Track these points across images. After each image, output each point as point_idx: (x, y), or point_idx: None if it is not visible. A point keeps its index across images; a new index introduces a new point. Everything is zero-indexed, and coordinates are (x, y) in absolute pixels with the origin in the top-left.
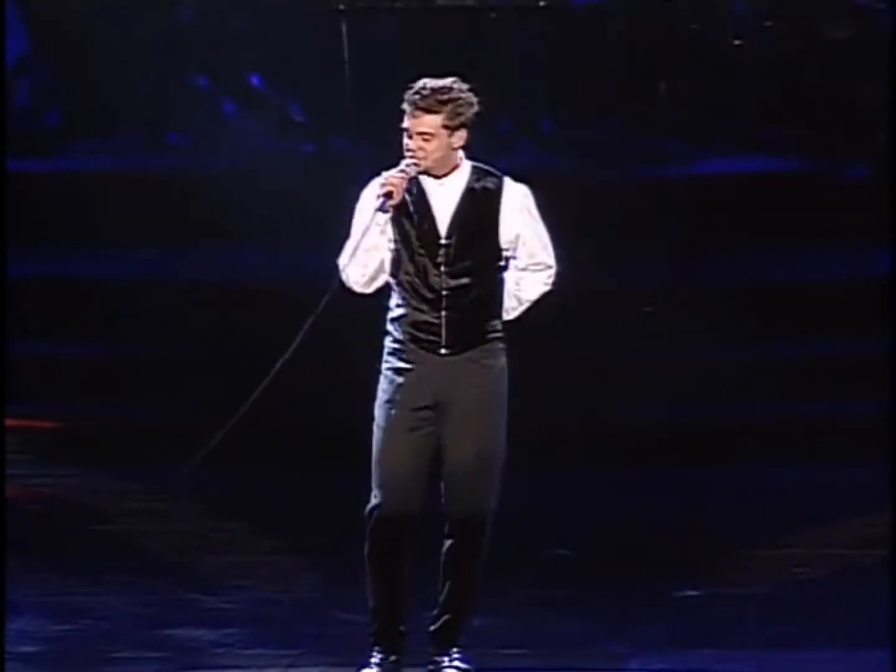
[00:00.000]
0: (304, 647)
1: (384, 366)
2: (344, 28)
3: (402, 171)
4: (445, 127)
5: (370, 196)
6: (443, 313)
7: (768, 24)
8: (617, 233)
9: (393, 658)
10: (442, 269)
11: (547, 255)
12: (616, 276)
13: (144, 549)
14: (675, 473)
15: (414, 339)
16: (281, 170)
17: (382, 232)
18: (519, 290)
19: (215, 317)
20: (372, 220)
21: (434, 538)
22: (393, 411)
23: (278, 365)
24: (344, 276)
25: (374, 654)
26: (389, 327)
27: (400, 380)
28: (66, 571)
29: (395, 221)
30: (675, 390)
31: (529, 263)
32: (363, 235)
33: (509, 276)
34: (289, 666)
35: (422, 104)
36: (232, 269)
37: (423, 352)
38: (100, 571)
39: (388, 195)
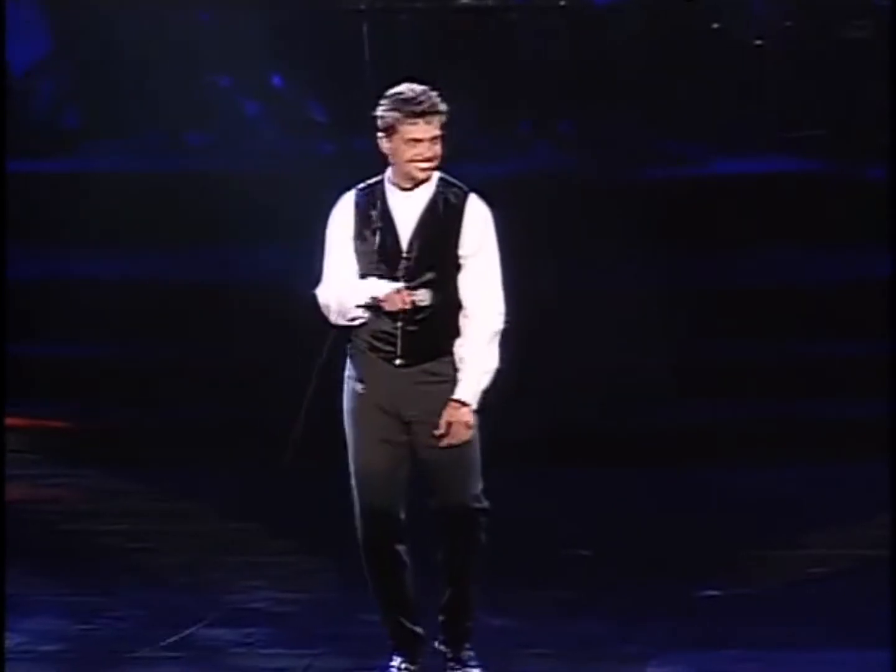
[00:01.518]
0: (324, 647)
1: (346, 374)
2: (364, 28)
3: (413, 300)
4: (443, 127)
5: (337, 217)
6: (399, 324)
7: (788, 24)
8: (635, 233)
9: (409, 662)
10: (402, 281)
11: (492, 283)
12: (634, 276)
13: (163, 550)
14: (691, 474)
15: (372, 348)
16: (301, 170)
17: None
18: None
19: (234, 318)
20: (360, 309)
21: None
22: (357, 418)
23: (316, 369)
24: (325, 313)
25: (393, 658)
26: (351, 336)
27: (359, 387)
28: (86, 571)
29: (359, 235)
30: (690, 390)
31: (472, 298)
32: (351, 308)
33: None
34: (308, 666)
35: (430, 108)
36: (252, 270)
37: (380, 361)
38: (119, 571)
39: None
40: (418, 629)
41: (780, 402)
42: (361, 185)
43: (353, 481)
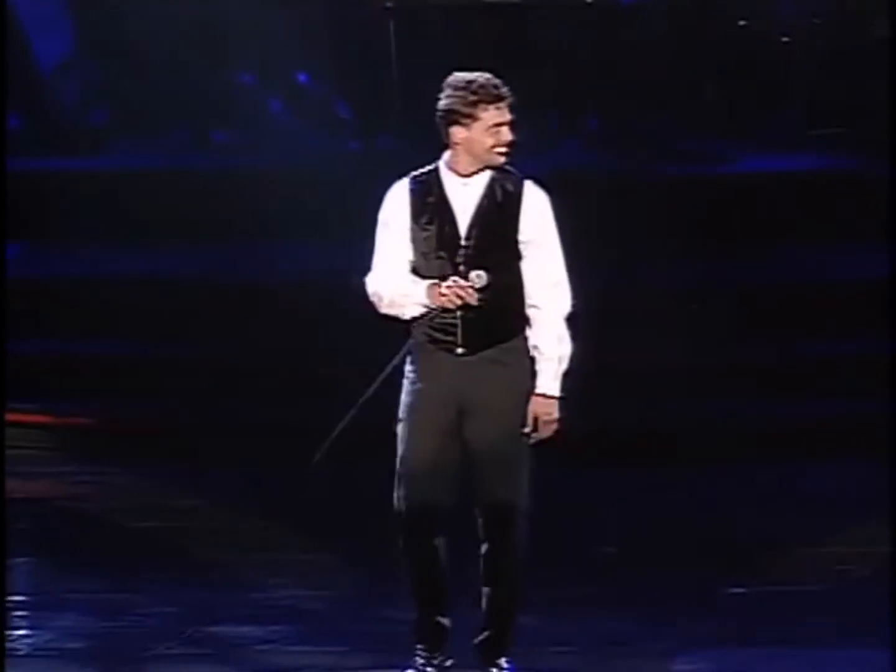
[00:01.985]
0: (350, 644)
1: (406, 367)
2: (391, 25)
3: (471, 286)
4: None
5: (391, 205)
6: (459, 314)
7: (816, 20)
8: (662, 231)
9: (432, 653)
10: (461, 269)
11: (557, 268)
12: (660, 274)
13: (188, 547)
14: (715, 472)
15: (432, 340)
16: (327, 168)
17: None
18: (541, 338)
19: (260, 315)
20: (416, 304)
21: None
22: (415, 412)
23: (379, 379)
24: (374, 302)
25: (418, 652)
26: (411, 329)
27: (420, 381)
28: (111, 569)
29: (416, 223)
30: (712, 388)
31: (538, 286)
32: (408, 305)
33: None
34: (334, 663)
35: (508, 93)
36: (278, 267)
37: (440, 352)
38: (144, 569)
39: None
40: (445, 621)
41: (802, 401)
42: (415, 173)
43: (399, 471)
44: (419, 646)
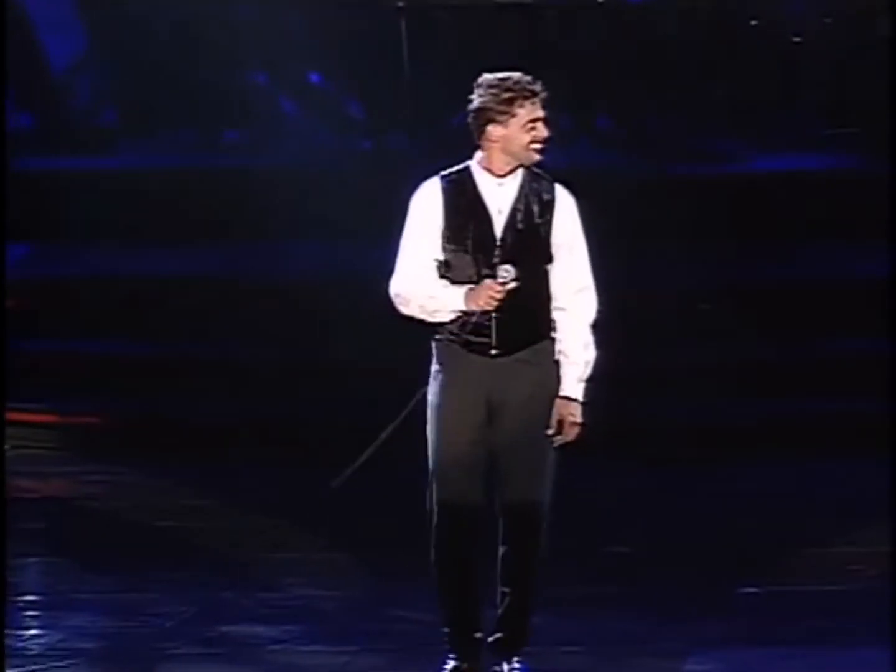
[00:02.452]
0: (361, 644)
1: (434, 368)
2: (403, 25)
3: (502, 281)
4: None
5: (423, 204)
6: (493, 315)
7: (827, 20)
8: (673, 230)
9: (466, 666)
10: (495, 269)
11: (585, 273)
12: (671, 274)
13: (199, 547)
14: (729, 472)
15: (464, 343)
16: (339, 167)
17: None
18: (569, 339)
19: (272, 314)
20: (451, 308)
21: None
22: (447, 414)
23: (418, 395)
24: (398, 303)
25: (448, 660)
26: (439, 329)
27: (451, 380)
28: (123, 568)
29: (449, 223)
30: (725, 388)
31: (566, 290)
32: (442, 307)
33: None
34: (346, 663)
35: (542, 89)
36: (290, 267)
37: (473, 354)
38: (156, 569)
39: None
40: (478, 634)
41: (815, 400)
42: (445, 173)
43: (432, 479)
44: (450, 654)
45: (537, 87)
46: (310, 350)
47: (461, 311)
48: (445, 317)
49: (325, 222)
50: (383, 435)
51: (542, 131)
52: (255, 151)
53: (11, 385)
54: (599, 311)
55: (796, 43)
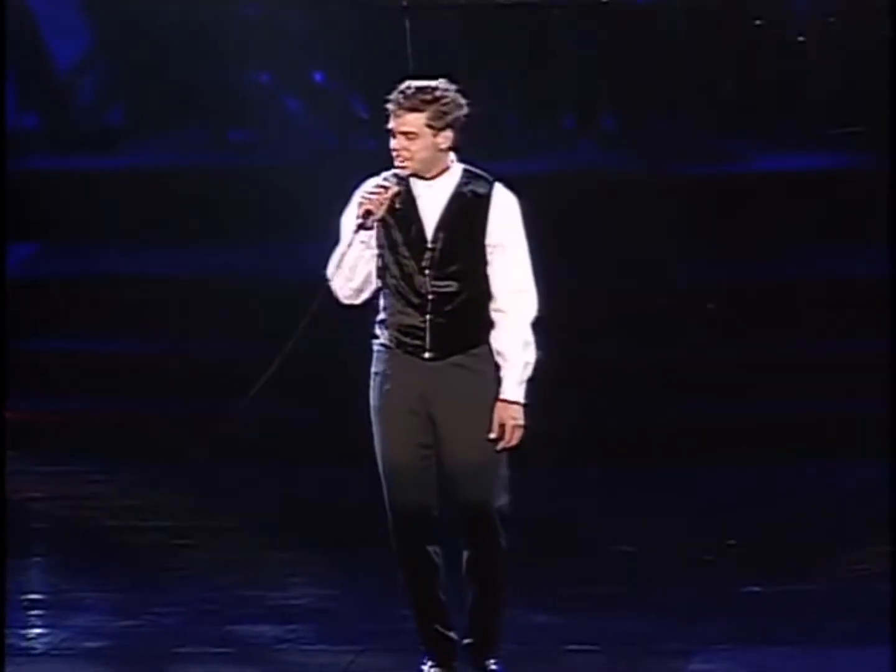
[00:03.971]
0: (367, 643)
1: (372, 369)
2: (407, 24)
3: (381, 185)
4: (430, 126)
5: (355, 205)
6: (427, 317)
7: (831, 20)
8: (677, 230)
9: (441, 667)
10: (427, 272)
11: (523, 274)
12: (674, 274)
13: (204, 546)
14: (733, 471)
15: (399, 343)
16: (344, 166)
17: (367, 246)
18: (505, 342)
19: (277, 313)
20: (353, 238)
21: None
22: (384, 417)
23: (287, 346)
24: (332, 288)
25: (424, 661)
26: (377, 330)
27: (387, 384)
28: (129, 568)
29: (383, 225)
30: (729, 386)
31: (503, 291)
32: (346, 250)
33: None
34: (351, 662)
35: (405, 103)
36: (295, 266)
37: (407, 356)
38: (162, 568)
39: (368, 214)
40: (451, 634)
41: (815, 400)
42: (385, 174)
43: (382, 481)
44: (427, 655)
45: (392, 94)
46: (314, 350)
47: (359, 228)
48: (353, 262)
49: (330, 222)
50: (288, 346)
51: (392, 142)
52: (260, 151)
53: (12, 385)
54: (540, 312)
55: (800, 42)
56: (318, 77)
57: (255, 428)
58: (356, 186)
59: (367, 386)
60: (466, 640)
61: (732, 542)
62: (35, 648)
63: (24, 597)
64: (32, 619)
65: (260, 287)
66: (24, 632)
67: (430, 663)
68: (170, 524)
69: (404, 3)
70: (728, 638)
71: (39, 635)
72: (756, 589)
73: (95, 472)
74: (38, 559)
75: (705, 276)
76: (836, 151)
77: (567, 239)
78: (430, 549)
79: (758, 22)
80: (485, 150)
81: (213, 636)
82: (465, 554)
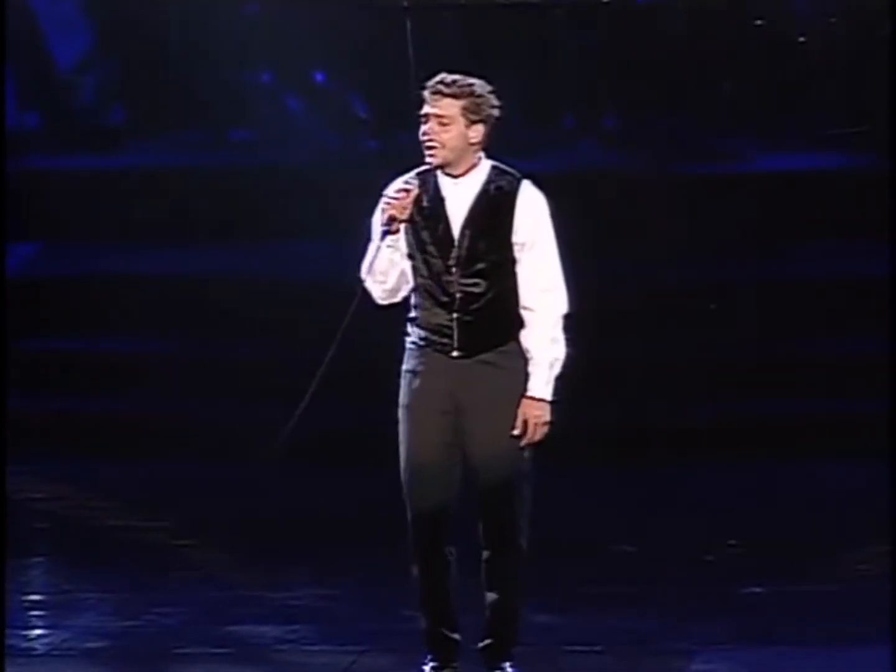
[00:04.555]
0: (368, 643)
1: (403, 367)
2: (408, 25)
3: (403, 188)
4: (464, 115)
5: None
6: (455, 315)
7: (832, 20)
8: (678, 229)
9: (442, 667)
10: (454, 271)
11: (552, 272)
12: (678, 273)
13: (205, 546)
14: (734, 471)
15: (428, 342)
16: (344, 167)
17: (395, 249)
18: (535, 339)
19: (277, 314)
20: (381, 242)
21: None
22: (412, 414)
23: (322, 369)
24: (367, 289)
25: (427, 661)
26: (408, 328)
27: (416, 382)
28: (128, 568)
29: (411, 225)
30: (730, 387)
31: (532, 289)
32: (375, 256)
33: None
34: (353, 662)
35: (444, 90)
36: (295, 266)
37: (436, 354)
38: (163, 569)
39: (392, 219)
40: (455, 636)
41: (815, 400)
42: (407, 176)
43: (403, 478)
44: (429, 655)
45: (429, 82)
46: (316, 350)
47: (385, 232)
48: (384, 265)
49: (331, 222)
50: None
51: (423, 128)
52: (261, 151)
53: (12, 385)
54: (571, 308)
55: (800, 42)
56: (318, 77)
57: (255, 428)
58: (383, 187)
59: (368, 386)
60: (483, 643)
61: (732, 542)
62: (36, 649)
63: (24, 597)
64: (33, 619)
65: (260, 287)
66: (24, 632)
67: (431, 664)
68: (170, 524)
69: (404, 3)
70: (728, 638)
71: (40, 636)
72: (756, 589)
73: (95, 472)
74: (38, 559)
75: (705, 276)
76: (836, 151)
77: (567, 239)
78: (447, 548)
79: (758, 22)
80: (485, 149)
81: (214, 636)
82: (485, 554)
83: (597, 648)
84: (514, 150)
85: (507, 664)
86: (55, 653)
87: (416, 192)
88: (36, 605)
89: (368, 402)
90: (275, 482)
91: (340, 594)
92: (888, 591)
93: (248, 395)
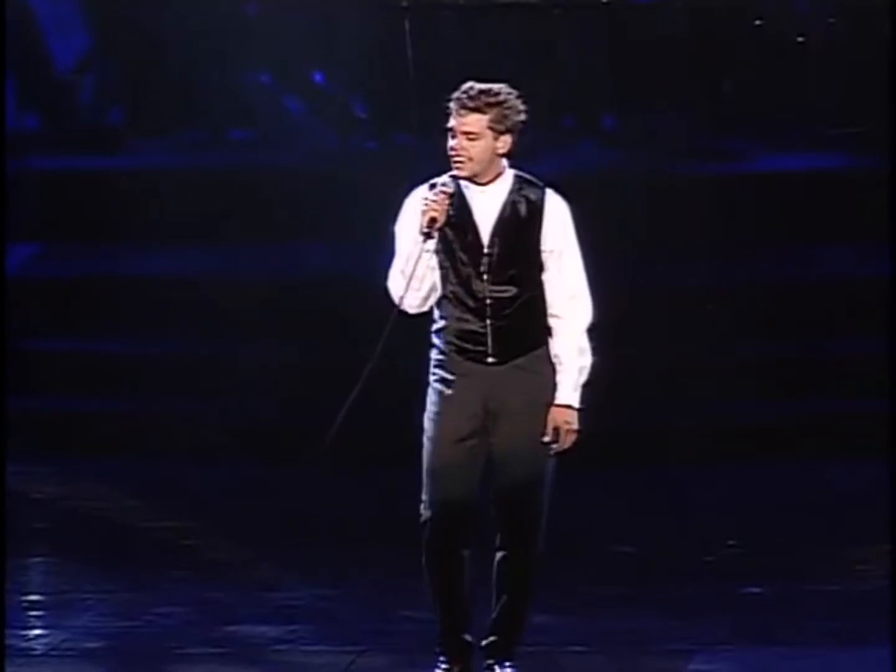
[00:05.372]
0: (367, 643)
1: (432, 378)
2: (407, 25)
3: (442, 191)
4: (491, 129)
5: (412, 212)
6: (488, 322)
7: (831, 20)
8: (679, 230)
9: (456, 669)
10: (485, 278)
11: (578, 279)
12: (675, 273)
13: (205, 546)
14: (735, 471)
15: (460, 350)
16: (344, 167)
17: (432, 254)
18: (563, 347)
19: (275, 314)
20: (420, 248)
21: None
22: (443, 423)
23: (366, 372)
24: (400, 303)
25: (439, 663)
26: (435, 339)
27: (448, 391)
28: (128, 568)
29: (439, 232)
30: (732, 388)
31: (559, 297)
32: (415, 265)
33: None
34: (352, 662)
35: (470, 104)
36: (294, 266)
37: (469, 362)
38: (162, 569)
39: (433, 221)
40: (468, 637)
41: (815, 400)
42: (439, 179)
43: (426, 481)
44: (441, 657)
45: (456, 94)
46: (317, 350)
47: (425, 235)
48: (422, 272)
49: (330, 222)
50: (356, 391)
51: (451, 143)
52: (261, 151)
53: (12, 386)
54: (595, 317)
55: (800, 43)
56: (318, 77)
57: (255, 429)
58: (404, 196)
59: (369, 387)
60: (487, 640)
61: (732, 542)
62: (35, 649)
63: (24, 597)
64: (32, 619)
65: (259, 287)
66: (24, 632)
67: (443, 666)
68: (170, 524)
69: (404, 4)
70: (728, 638)
71: (39, 636)
72: (756, 589)
73: (96, 472)
74: (38, 559)
75: (705, 277)
76: (836, 151)
77: None
78: (465, 552)
79: (758, 22)
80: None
81: (213, 636)
82: (499, 555)
83: (595, 648)
84: (513, 150)
85: (507, 664)
86: (54, 653)
87: (451, 191)
88: (35, 605)
89: (372, 405)
90: (275, 482)
91: (340, 594)
92: (888, 591)
93: (248, 395)
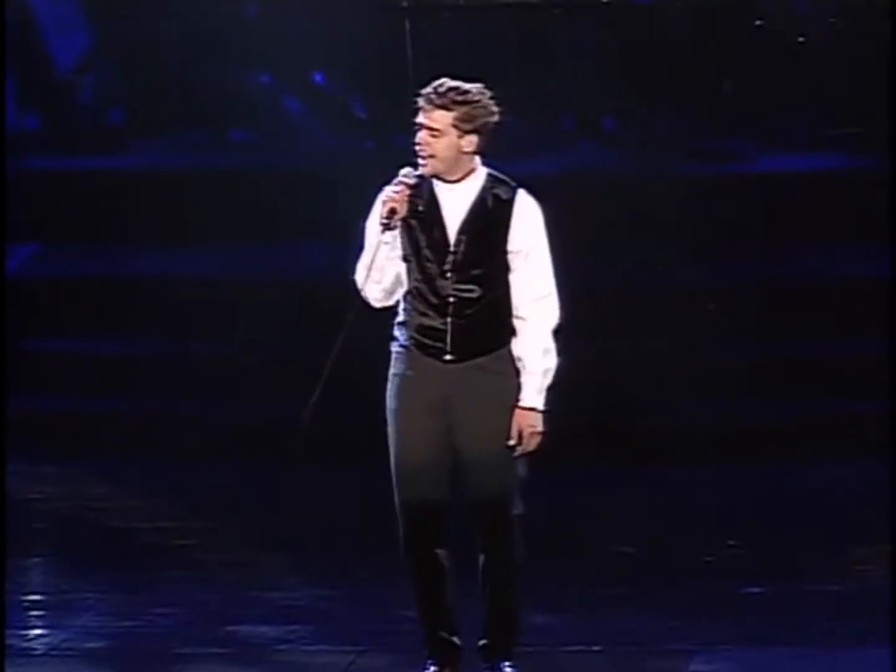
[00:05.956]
0: (367, 643)
1: (391, 371)
2: (407, 25)
3: (401, 182)
4: (456, 127)
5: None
6: (449, 320)
7: (832, 20)
8: (678, 230)
9: (446, 670)
10: (449, 276)
11: (545, 281)
12: (675, 274)
13: (204, 547)
14: (736, 472)
15: (419, 345)
16: (343, 167)
17: (393, 247)
18: (526, 346)
19: (277, 314)
20: (379, 239)
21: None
22: (402, 417)
23: (326, 371)
24: (363, 294)
25: (428, 665)
26: (396, 332)
27: (406, 385)
28: (130, 569)
29: (406, 227)
30: (733, 388)
31: (525, 298)
32: (374, 254)
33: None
34: (352, 662)
35: (437, 100)
36: (294, 266)
37: (428, 358)
38: (162, 569)
39: (392, 212)
40: (455, 639)
41: (815, 400)
42: (403, 171)
43: (394, 481)
44: (430, 660)
45: (426, 89)
46: (316, 350)
47: (384, 227)
48: (382, 264)
49: (330, 222)
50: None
51: (417, 136)
52: (261, 151)
53: (12, 385)
54: (562, 318)
55: (800, 43)
56: (318, 77)
57: (255, 429)
58: (381, 187)
59: (369, 388)
60: (481, 642)
61: (732, 542)
62: (35, 649)
63: (24, 597)
64: (32, 619)
65: (260, 287)
66: (24, 632)
67: (433, 667)
68: (170, 524)
69: (404, 4)
70: (728, 638)
71: (39, 636)
72: (756, 589)
73: (96, 472)
74: (38, 559)
75: (705, 277)
76: (836, 151)
77: (566, 239)
78: (440, 552)
79: (758, 22)
80: (482, 155)
81: (213, 636)
82: (481, 557)
83: (595, 648)
84: (513, 150)
85: (506, 664)
86: (54, 653)
87: (412, 182)
88: (35, 605)
89: (365, 402)
90: (275, 482)
91: (340, 594)
92: (888, 591)
93: (248, 395)
